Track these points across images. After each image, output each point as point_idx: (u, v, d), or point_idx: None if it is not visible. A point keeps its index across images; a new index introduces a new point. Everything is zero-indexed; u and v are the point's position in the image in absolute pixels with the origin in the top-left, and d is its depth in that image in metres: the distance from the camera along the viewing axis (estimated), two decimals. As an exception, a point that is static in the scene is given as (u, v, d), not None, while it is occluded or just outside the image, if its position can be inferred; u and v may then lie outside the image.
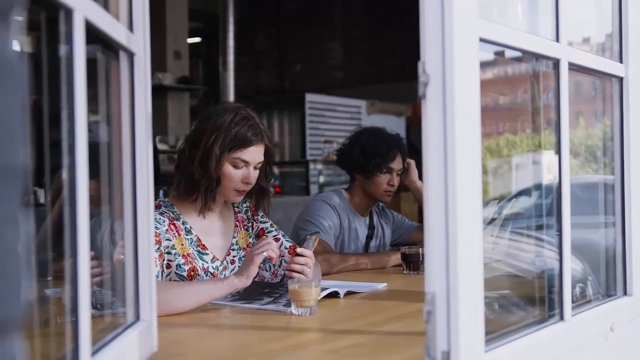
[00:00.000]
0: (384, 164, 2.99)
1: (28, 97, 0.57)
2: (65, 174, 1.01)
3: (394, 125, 6.69)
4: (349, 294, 2.18)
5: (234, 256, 2.33)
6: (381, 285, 2.35)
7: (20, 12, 0.57)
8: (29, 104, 0.57)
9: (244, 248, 2.36)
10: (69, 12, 0.98)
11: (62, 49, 1.01)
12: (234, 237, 2.35)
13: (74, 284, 1.00)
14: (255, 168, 2.24)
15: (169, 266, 2.14)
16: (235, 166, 2.20)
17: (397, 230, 3.26)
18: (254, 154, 2.22)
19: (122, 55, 1.33)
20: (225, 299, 2.03)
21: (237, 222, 2.39)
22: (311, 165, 7.53)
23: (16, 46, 0.56)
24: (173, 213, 2.21)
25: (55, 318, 1.44)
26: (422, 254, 2.65)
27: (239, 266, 2.29)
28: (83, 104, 1.02)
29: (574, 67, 1.57)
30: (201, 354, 1.59)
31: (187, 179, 2.21)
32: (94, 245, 1.08)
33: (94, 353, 1.08)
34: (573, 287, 1.60)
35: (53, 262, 1.41)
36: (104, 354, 1.14)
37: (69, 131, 1.00)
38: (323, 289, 2.04)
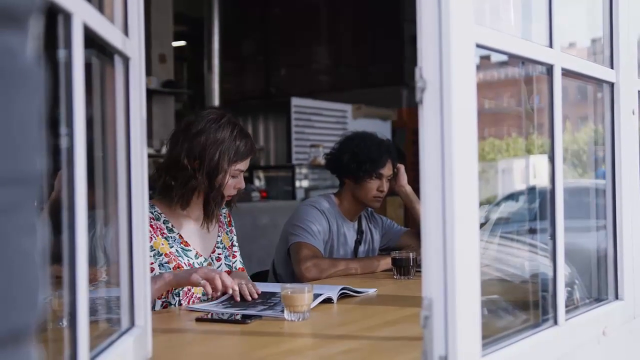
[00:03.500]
0: (375, 170, 2.99)
1: (44, 103, 0.57)
2: (63, 178, 1.00)
3: (380, 129, 6.70)
4: (342, 297, 2.18)
5: (219, 254, 2.41)
6: (372, 291, 2.35)
7: (38, 18, 0.57)
8: (45, 110, 0.57)
9: (228, 247, 2.45)
10: (67, 17, 0.98)
11: (60, 53, 1.01)
12: (219, 236, 2.43)
13: (72, 290, 0.99)
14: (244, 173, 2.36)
15: (151, 270, 2.15)
16: (234, 176, 2.31)
17: (386, 234, 3.26)
18: (248, 162, 2.36)
19: (117, 60, 1.32)
20: (218, 306, 2.03)
21: (220, 223, 2.47)
22: (297, 170, 7.51)
23: (33, 52, 0.56)
24: (152, 213, 2.24)
25: (47, 324, 1.42)
26: (413, 259, 2.65)
27: (225, 263, 2.41)
28: (81, 107, 1.01)
29: (566, 73, 1.58)
30: (195, 360, 1.58)
31: (191, 191, 2.27)
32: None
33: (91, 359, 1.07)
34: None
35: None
36: (101, 360, 1.13)
37: (68, 135, 0.99)
38: (316, 296, 2.04)
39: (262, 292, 2.22)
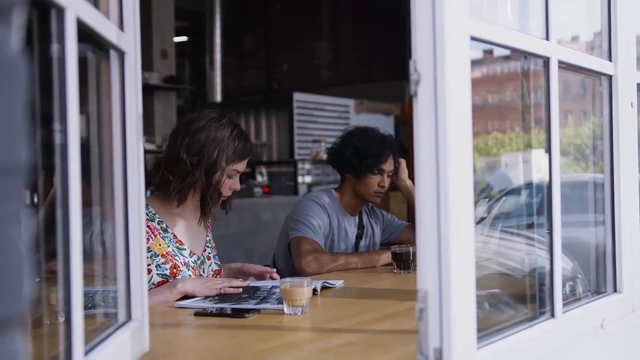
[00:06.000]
0: (376, 165, 2.98)
1: (28, 95, 0.57)
2: (57, 175, 1.00)
3: (383, 124, 6.69)
4: (339, 291, 2.20)
5: (208, 253, 2.46)
6: (339, 283, 2.38)
7: (22, 10, 0.57)
8: (29, 102, 0.57)
9: (214, 247, 2.50)
10: (60, 11, 0.98)
11: (54, 48, 1.01)
12: (207, 236, 2.48)
13: (67, 284, 1.00)
14: (240, 175, 2.38)
15: (148, 271, 2.18)
16: (229, 176, 2.33)
17: (387, 229, 3.26)
18: (245, 164, 2.38)
19: (113, 55, 1.33)
20: (206, 302, 2.04)
21: (208, 224, 2.50)
22: (299, 165, 7.52)
23: (17, 44, 0.56)
24: (147, 214, 2.25)
25: (44, 319, 1.43)
26: (413, 253, 2.65)
27: (215, 262, 2.45)
28: (75, 103, 1.01)
29: (563, 66, 1.58)
30: (193, 353, 1.59)
31: (188, 187, 2.29)
32: (83, 245, 1.08)
33: (86, 353, 1.08)
34: (563, 285, 1.61)
35: (42, 262, 1.40)
36: (97, 353, 1.13)
37: (61, 131, 0.99)
38: None
39: (249, 286, 2.23)
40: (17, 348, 0.54)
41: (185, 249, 2.33)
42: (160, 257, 2.24)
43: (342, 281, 2.41)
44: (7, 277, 0.53)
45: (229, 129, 2.31)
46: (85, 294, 1.17)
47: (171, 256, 2.26)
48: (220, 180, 2.29)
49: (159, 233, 2.28)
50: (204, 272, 2.38)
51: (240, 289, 2.15)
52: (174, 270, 2.25)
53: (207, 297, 2.09)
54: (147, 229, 2.23)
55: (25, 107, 0.56)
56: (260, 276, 2.44)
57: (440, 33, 1.16)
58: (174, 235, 2.32)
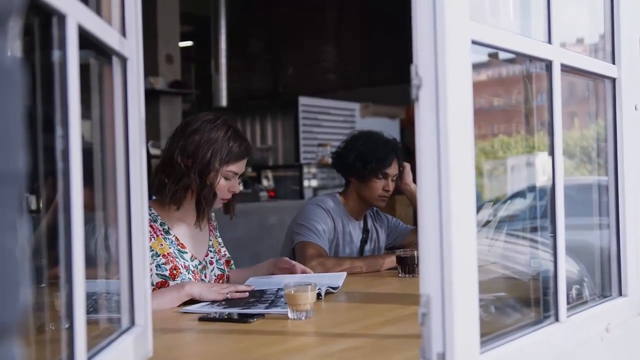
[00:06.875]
0: (380, 169, 2.98)
1: (25, 102, 0.57)
2: (59, 180, 1.01)
3: (388, 127, 6.70)
4: (328, 293, 2.22)
5: (211, 257, 2.45)
6: (342, 276, 2.41)
7: (19, 18, 0.57)
8: (26, 110, 0.58)
9: (217, 251, 2.49)
10: (62, 18, 0.98)
11: (55, 54, 1.01)
12: (210, 240, 2.47)
13: (69, 290, 1.00)
14: (239, 177, 2.38)
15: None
16: (226, 178, 2.33)
17: (391, 233, 3.26)
18: (243, 165, 2.37)
19: (115, 61, 1.33)
20: (214, 307, 2.03)
21: (211, 228, 2.51)
22: (305, 169, 7.51)
23: (14, 52, 0.56)
24: (150, 215, 2.26)
25: (49, 324, 1.43)
26: (417, 257, 2.65)
27: (217, 267, 2.45)
28: (76, 109, 1.02)
29: (566, 69, 1.58)
30: (197, 359, 1.59)
31: (183, 189, 2.29)
32: (87, 251, 1.08)
33: (89, 358, 1.08)
34: (569, 288, 1.61)
35: (47, 268, 1.41)
36: (99, 359, 1.13)
37: (62, 137, 0.99)
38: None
39: (254, 290, 2.23)
40: (15, 356, 0.54)
41: (186, 253, 2.33)
42: (161, 257, 2.24)
43: (345, 273, 2.43)
44: (3, 285, 0.53)
45: (223, 130, 2.31)
46: (89, 297, 1.17)
47: (172, 257, 2.27)
48: (214, 182, 2.29)
49: (161, 234, 2.29)
50: (205, 277, 2.37)
51: (247, 294, 2.15)
52: (174, 272, 2.25)
53: (214, 302, 2.09)
54: (149, 228, 2.23)
55: (23, 115, 0.57)
56: (290, 270, 2.46)
57: (441, 37, 1.16)
58: (176, 237, 2.32)
